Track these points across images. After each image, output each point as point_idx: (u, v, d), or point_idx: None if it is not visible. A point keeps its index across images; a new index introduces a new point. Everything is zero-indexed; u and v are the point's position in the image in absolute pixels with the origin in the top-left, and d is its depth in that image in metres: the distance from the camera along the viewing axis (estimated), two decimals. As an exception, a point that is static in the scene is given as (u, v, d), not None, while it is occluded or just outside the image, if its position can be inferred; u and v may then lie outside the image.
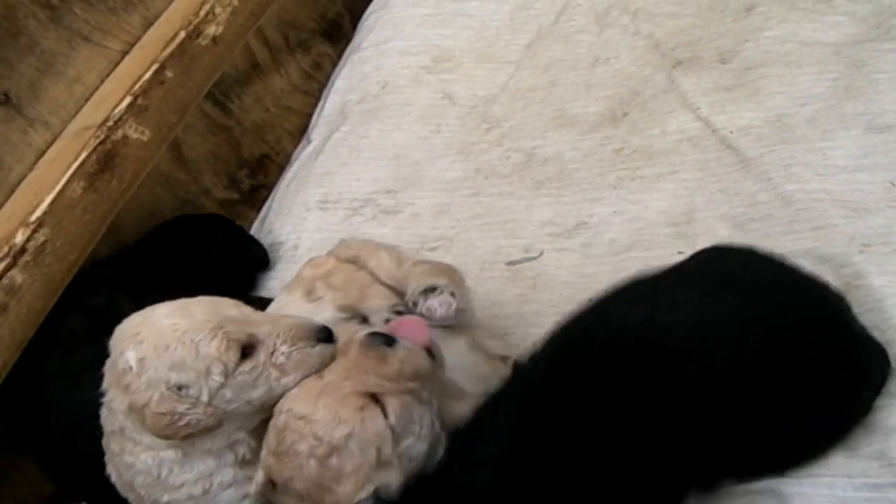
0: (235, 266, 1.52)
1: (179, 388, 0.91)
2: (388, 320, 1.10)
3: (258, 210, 1.81)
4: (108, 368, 0.95)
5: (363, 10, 2.06)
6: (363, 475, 0.88)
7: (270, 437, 0.93)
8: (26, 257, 1.21)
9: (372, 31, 1.96)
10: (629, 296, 1.01)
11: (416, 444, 0.92)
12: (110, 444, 0.99)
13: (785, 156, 1.40)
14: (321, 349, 0.96)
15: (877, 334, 1.12)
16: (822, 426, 1.00)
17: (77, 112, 1.40)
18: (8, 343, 1.18)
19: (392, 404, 0.90)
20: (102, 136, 1.34)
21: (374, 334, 0.95)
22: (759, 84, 1.53)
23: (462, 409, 0.99)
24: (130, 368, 0.91)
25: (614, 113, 1.61)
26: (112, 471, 1.02)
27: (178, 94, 1.49)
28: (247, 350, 0.93)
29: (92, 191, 1.32)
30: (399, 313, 1.12)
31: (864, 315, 1.15)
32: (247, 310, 0.97)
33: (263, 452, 0.94)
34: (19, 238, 1.21)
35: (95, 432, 1.03)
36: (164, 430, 0.91)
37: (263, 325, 0.95)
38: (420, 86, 1.81)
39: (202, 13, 1.57)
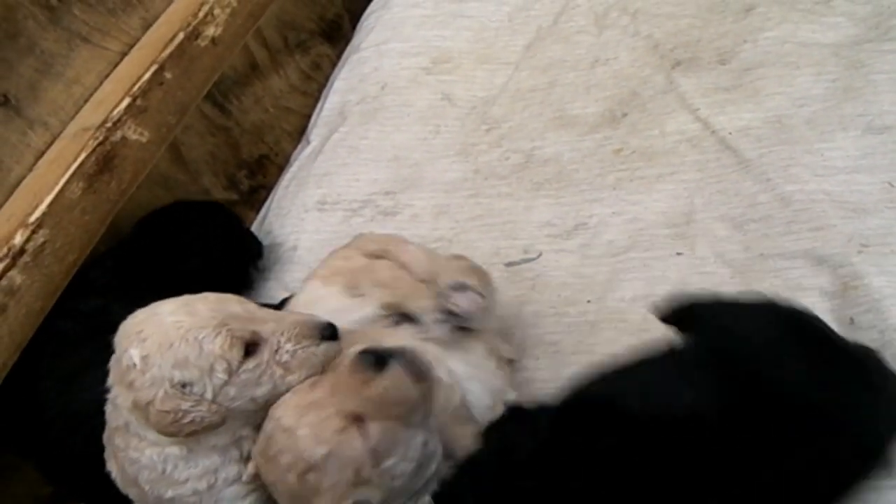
0: (229, 253, 1.49)
1: (183, 385, 0.91)
2: (436, 320, 1.10)
3: (257, 211, 1.80)
4: (113, 365, 0.95)
5: (362, 10, 2.06)
6: (339, 493, 0.88)
7: (261, 438, 0.94)
8: (25, 258, 1.20)
9: (371, 32, 1.96)
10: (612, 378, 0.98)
11: (401, 464, 0.91)
12: (114, 440, 0.99)
13: (784, 156, 1.40)
14: (326, 347, 0.96)
15: (875, 334, 1.13)
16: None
17: (76, 113, 1.40)
18: (7, 344, 1.18)
19: (373, 428, 0.89)
20: (101, 138, 1.34)
21: (365, 354, 0.93)
22: (759, 85, 1.53)
23: (466, 435, 0.99)
24: (134, 366, 0.91)
25: (613, 114, 1.61)
26: (114, 467, 1.02)
27: (177, 96, 1.49)
28: (251, 348, 0.93)
29: (91, 192, 1.32)
30: (448, 313, 1.11)
31: (863, 315, 1.16)
32: (251, 307, 0.97)
33: (255, 449, 0.95)
34: (18, 239, 1.21)
35: (91, 433, 1.03)
36: (168, 428, 0.91)
37: (268, 322, 0.95)
38: (419, 87, 1.81)
39: (201, 14, 1.57)
